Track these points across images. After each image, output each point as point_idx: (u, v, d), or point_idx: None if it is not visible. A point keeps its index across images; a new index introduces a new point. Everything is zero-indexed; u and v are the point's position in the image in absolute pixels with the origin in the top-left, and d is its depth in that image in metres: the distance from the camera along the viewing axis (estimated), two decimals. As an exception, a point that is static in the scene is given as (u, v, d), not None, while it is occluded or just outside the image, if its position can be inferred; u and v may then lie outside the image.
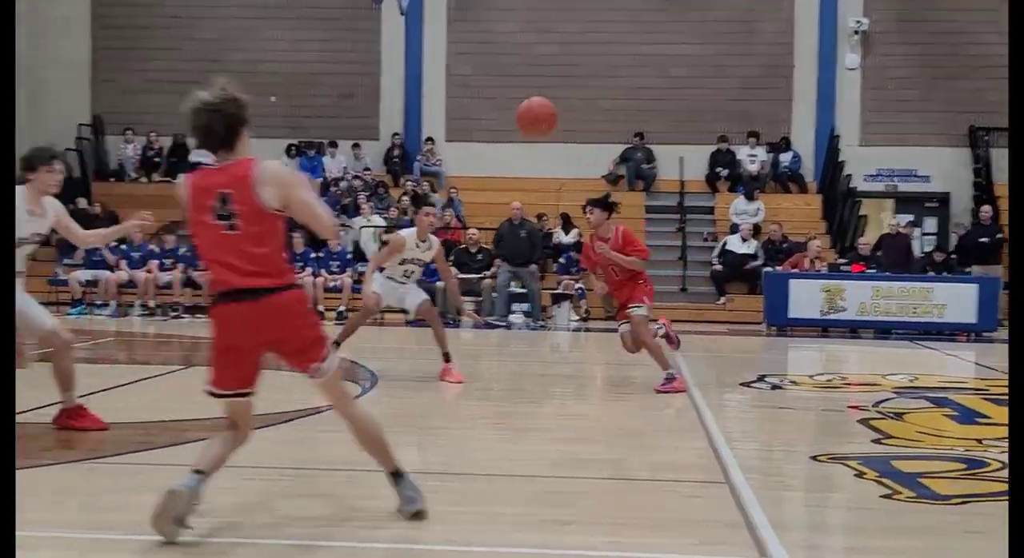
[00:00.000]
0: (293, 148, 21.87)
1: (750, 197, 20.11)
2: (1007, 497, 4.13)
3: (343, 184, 21.00)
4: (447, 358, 9.70)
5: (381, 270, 9.65)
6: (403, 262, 9.60)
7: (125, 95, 22.53)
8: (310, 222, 4.54)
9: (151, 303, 17.17)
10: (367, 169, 21.48)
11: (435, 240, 9.77)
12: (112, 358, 11.66)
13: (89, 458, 6.10)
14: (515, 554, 4.27)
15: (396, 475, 4.83)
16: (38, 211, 6.74)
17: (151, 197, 20.53)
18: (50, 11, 22.49)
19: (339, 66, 22.35)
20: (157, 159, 22.11)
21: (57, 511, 5.00)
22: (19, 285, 6.51)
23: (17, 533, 4.42)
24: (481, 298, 17.01)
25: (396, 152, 21.92)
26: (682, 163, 21.04)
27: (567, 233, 19.00)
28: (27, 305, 6.67)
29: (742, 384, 10.05)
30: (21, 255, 6.57)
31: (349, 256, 18.09)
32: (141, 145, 22.17)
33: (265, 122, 22.27)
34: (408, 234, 9.67)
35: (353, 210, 19.82)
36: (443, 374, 9.68)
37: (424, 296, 9.91)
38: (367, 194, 20.15)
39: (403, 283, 9.77)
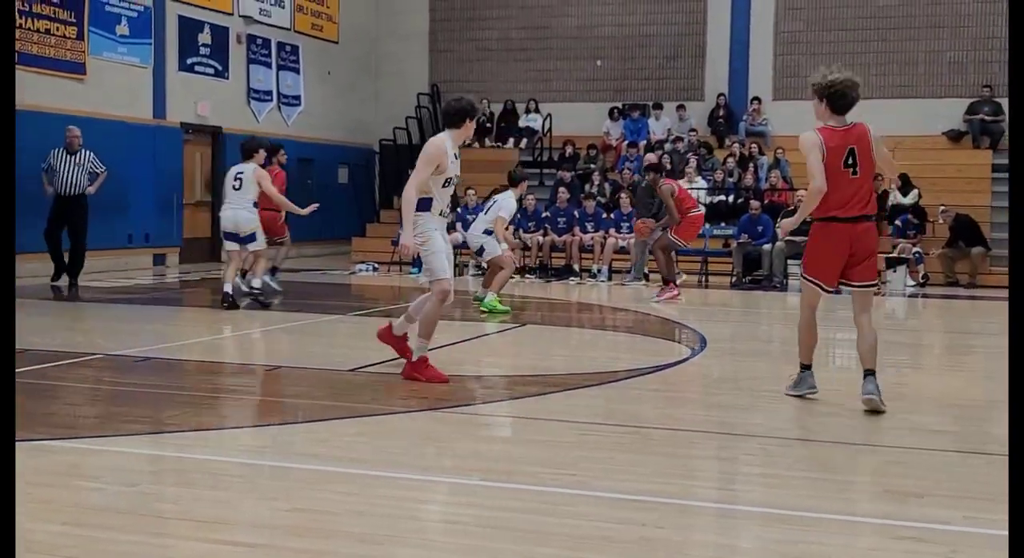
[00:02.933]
0: (616, 111, 22.09)
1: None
2: None
3: (667, 146, 20.98)
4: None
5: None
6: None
7: (460, 63, 23.56)
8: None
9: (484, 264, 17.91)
10: (692, 130, 21.33)
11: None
12: (449, 315, 12.28)
13: (439, 408, 6.47)
14: (866, 524, 4.15)
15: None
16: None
17: (483, 162, 21.43)
18: (393, -13, 23.86)
19: (665, 28, 22.31)
20: (489, 125, 22.98)
21: (421, 457, 5.36)
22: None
23: (388, 475, 4.80)
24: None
25: (721, 112, 21.63)
26: (1035, 117, 19.42)
27: (906, 194, 18.06)
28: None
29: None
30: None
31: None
32: (474, 112, 23.09)
33: (591, 86, 22.67)
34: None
35: (679, 172, 19.76)
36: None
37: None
38: (695, 155, 20.04)
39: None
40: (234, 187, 11.51)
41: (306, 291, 14.32)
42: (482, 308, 11.69)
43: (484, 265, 13.07)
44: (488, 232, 12.36)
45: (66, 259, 14.19)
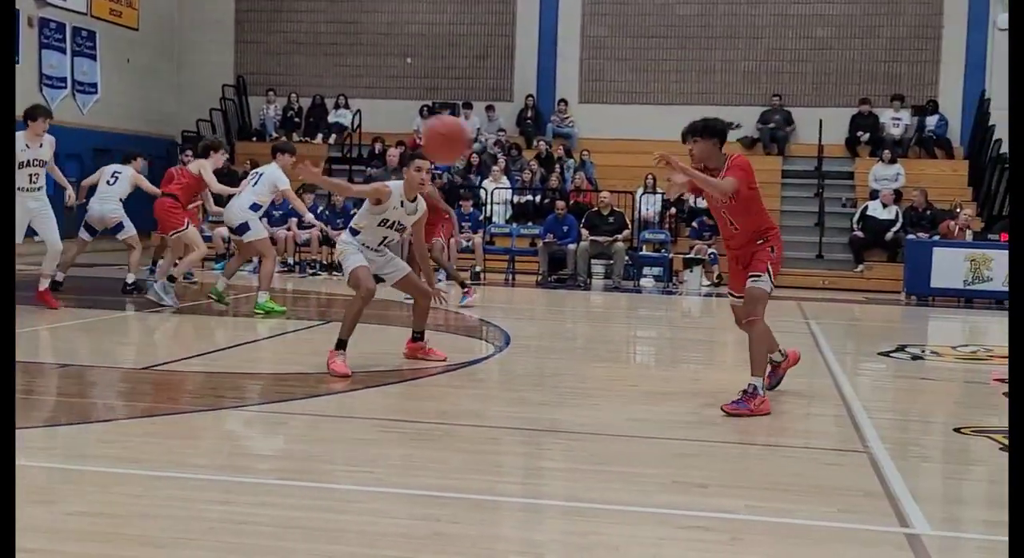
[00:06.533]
0: (426, 109, 22.10)
1: (892, 161, 19.56)
2: None
3: (476, 145, 21.14)
4: (420, 337, 8.19)
5: (355, 233, 7.75)
6: (382, 223, 7.64)
7: (267, 56, 23.09)
8: None
9: (290, 260, 17.64)
10: (501, 130, 21.57)
11: (423, 205, 7.80)
12: (243, 313, 12.02)
13: (237, 406, 6.34)
14: (654, 514, 4.29)
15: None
16: None
17: (291, 156, 21.03)
18: (197, -26, 23.16)
19: (475, 27, 22.47)
20: (296, 119, 22.62)
21: (213, 456, 5.22)
22: None
23: (178, 475, 4.65)
24: (612, 262, 16.98)
25: (529, 114, 21.95)
26: (821, 126, 20.53)
27: (701, 197, 18.75)
28: None
29: (880, 353, 9.83)
30: None
31: (481, 218, 18.26)
32: (282, 105, 22.70)
33: (401, 83, 22.60)
34: (396, 187, 7.64)
35: (486, 172, 19.98)
36: (414, 352, 8.16)
37: (405, 268, 8.04)
38: (504, 156, 20.28)
39: (379, 253, 7.86)
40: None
41: (101, 286, 13.73)
42: (256, 310, 10.95)
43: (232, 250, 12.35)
44: (255, 207, 11.19)
45: None
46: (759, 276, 6.64)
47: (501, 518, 4.34)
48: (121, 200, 12.78)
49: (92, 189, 12.99)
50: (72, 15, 20.24)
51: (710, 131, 6.60)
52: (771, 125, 21.04)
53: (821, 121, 20.52)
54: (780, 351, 7.23)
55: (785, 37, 21.29)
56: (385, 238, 7.78)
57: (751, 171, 6.57)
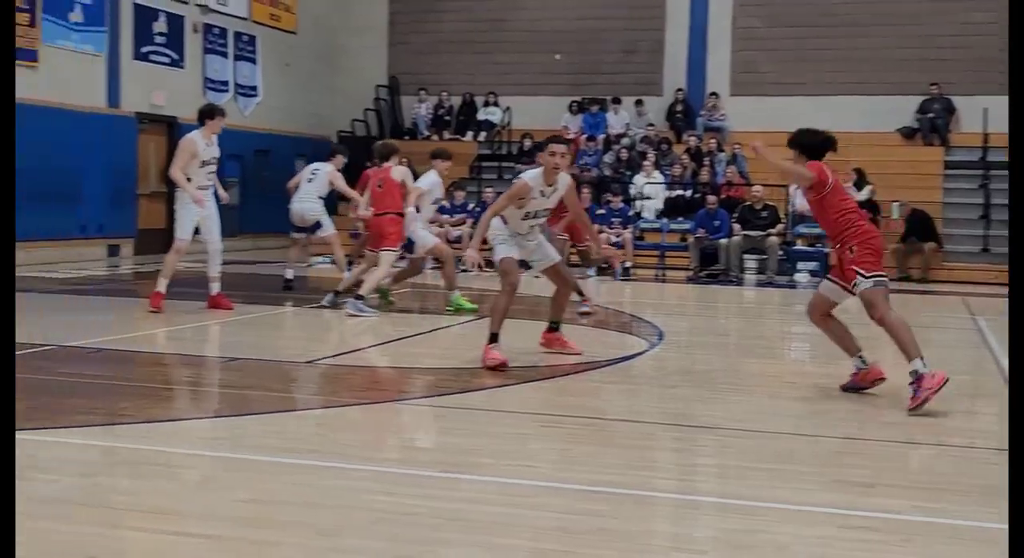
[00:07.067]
0: (575, 105, 22.13)
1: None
2: None
3: (625, 140, 21.06)
4: (556, 328, 8.32)
5: (504, 220, 7.76)
6: (525, 216, 7.70)
7: (418, 56, 23.49)
8: None
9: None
10: (650, 125, 21.43)
11: (563, 180, 7.78)
12: (408, 308, 12.25)
13: (396, 399, 6.49)
14: (816, 513, 4.21)
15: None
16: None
17: (442, 154, 21.37)
18: (351, -22, 23.74)
19: (623, 22, 22.37)
20: (447, 117, 22.95)
21: (376, 448, 5.36)
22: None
23: (342, 466, 4.79)
24: (767, 256, 16.67)
25: (679, 107, 21.73)
26: (986, 115, 19.71)
27: (860, 189, 18.25)
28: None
29: (1053, 351, 9.37)
30: None
31: (631, 213, 18.17)
32: (433, 104, 23.07)
33: (549, 79, 22.67)
34: (532, 177, 7.64)
35: (637, 167, 19.89)
36: (550, 342, 8.29)
37: (555, 257, 8.08)
38: (653, 150, 20.15)
39: (528, 238, 7.88)
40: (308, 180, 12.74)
41: (263, 283, 14.24)
42: (450, 307, 10.96)
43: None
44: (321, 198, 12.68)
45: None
46: (855, 283, 6.78)
47: (663, 514, 4.32)
48: (321, 197, 12.74)
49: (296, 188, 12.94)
50: (233, 20, 21.01)
51: (794, 142, 6.95)
52: (930, 115, 20.33)
53: (986, 110, 19.70)
54: (863, 358, 7.02)
55: (942, 23, 20.53)
56: (532, 226, 7.89)
57: (823, 173, 6.73)
